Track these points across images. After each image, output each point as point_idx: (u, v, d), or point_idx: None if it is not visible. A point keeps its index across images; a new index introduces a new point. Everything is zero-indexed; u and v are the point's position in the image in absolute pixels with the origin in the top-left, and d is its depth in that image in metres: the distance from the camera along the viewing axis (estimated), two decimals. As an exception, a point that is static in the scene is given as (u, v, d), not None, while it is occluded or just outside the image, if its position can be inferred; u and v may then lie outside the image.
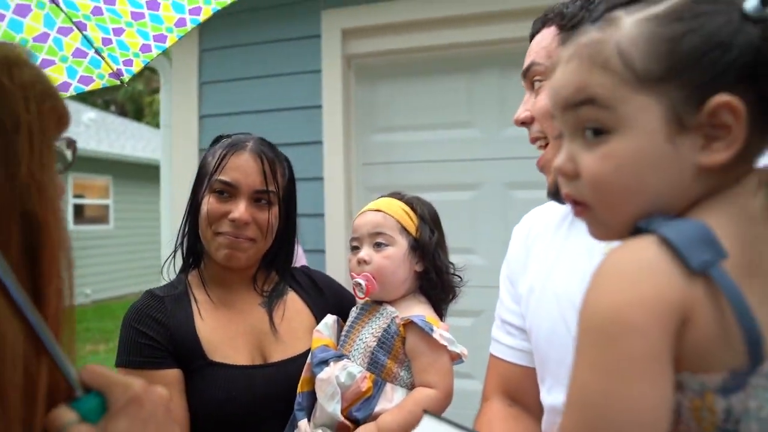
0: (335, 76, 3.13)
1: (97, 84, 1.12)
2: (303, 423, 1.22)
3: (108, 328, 8.95)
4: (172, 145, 3.34)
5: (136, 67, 1.15)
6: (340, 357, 1.26)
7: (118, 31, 1.07)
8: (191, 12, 1.06)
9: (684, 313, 0.58)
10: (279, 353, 1.32)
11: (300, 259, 2.50)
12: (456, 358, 1.25)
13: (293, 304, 1.42)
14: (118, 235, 12.62)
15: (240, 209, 1.28)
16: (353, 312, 1.36)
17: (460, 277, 1.37)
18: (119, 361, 1.26)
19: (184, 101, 3.33)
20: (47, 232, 0.60)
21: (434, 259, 1.32)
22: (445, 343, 1.21)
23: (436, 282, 1.32)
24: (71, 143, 0.70)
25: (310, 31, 3.15)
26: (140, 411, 0.60)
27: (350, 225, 3.05)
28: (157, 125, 17.44)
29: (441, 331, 1.22)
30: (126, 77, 1.14)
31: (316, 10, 3.14)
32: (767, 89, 0.61)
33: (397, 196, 1.41)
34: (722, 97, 0.60)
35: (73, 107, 15.93)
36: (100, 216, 12.60)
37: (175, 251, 1.40)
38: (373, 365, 1.25)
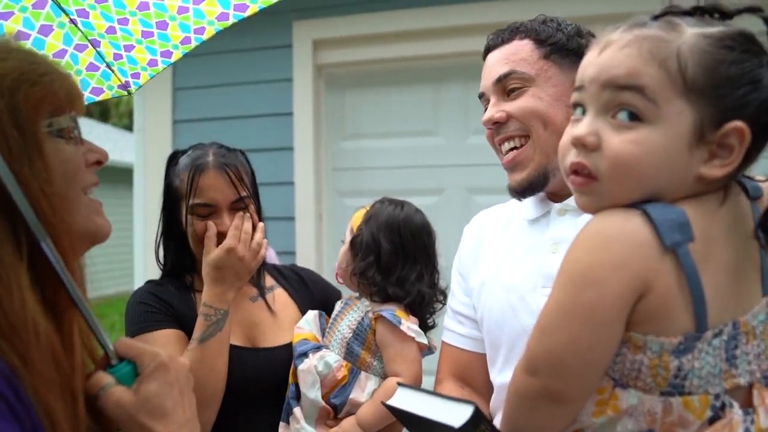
0: (306, 85, 3.25)
1: (107, 95, 1.23)
2: (297, 410, 1.34)
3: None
4: (145, 149, 3.41)
5: (143, 79, 1.26)
6: (318, 348, 1.38)
7: (128, 48, 1.19)
8: (196, 32, 1.19)
9: (646, 281, 0.71)
10: (267, 342, 1.44)
11: (272, 259, 2.61)
12: (424, 348, 1.37)
13: (280, 298, 1.53)
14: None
15: (225, 223, 1.39)
16: (337, 306, 1.48)
17: (438, 294, 1.44)
18: (129, 333, 1.35)
19: (158, 106, 3.40)
20: (48, 223, 0.66)
21: (376, 261, 1.38)
22: (412, 335, 1.33)
23: (375, 281, 1.38)
24: (71, 118, 0.73)
25: (282, 41, 3.27)
26: (167, 375, 0.71)
27: (320, 228, 3.21)
28: (123, 127, 17.07)
29: (408, 324, 1.34)
30: (133, 88, 1.26)
31: (288, 21, 3.26)
32: (766, 123, 0.73)
33: (377, 202, 1.49)
34: (738, 124, 0.72)
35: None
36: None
37: (161, 265, 1.51)
38: (349, 355, 1.37)
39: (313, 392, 1.33)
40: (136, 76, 1.25)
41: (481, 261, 1.28)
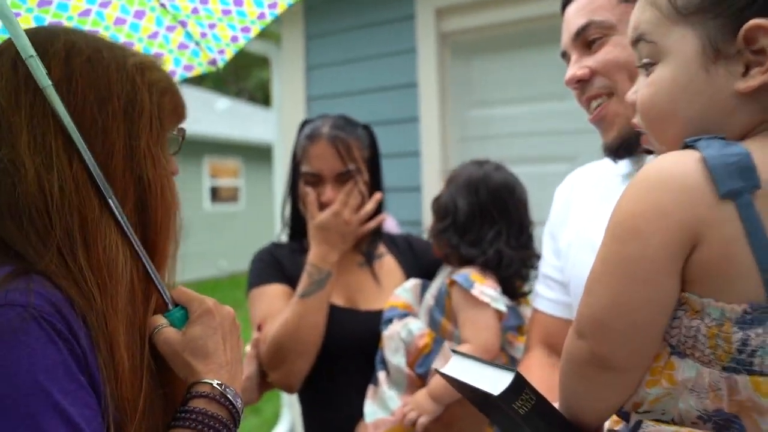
0: (430, 54, 3.23)
1: (197, 71, 1.32)
2: (381, 374, 1.37)
3: (239, 298, 9.66)
4: (282, 127, 3.63)
5: (228, 54, 1.34)
6: (404, 315, 1.38)
7: (212, 26, 1.27)
8: (269, 6, 1.24)
9: (696, 232, 0.63)
10: (367, 305, 1.49)
11: (392, 229, 2.67)
12: (502, 316, 1.31)
13: (388, 264, 1.58)
14: (249, 212, 13.57)
15: (327, 194, 1.46)
16: (438, 273, 1.48)
17: (530, 258, 1.38)
18: (249, 287, 1.53)
19: (293, 85, 3.59)
20: (158, 195, 0.80)
21: (453, 222, 1.37)
22: (486, 299, 1.28)
23: (451, 242, 1.37)
24: (181, 131, 0.89)
25: (405, 11, 3.28)
26: (212, 321, 0.79)
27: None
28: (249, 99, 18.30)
29: (483, 288, 1.29)
30: (220, 64, 1.34)
31: (410, -8, 3.26)
32: None
33: (468, 162, 1.48)
34: (756, 21, 0.65)
35: (207, 97, 17.10)
36: (232, 196, 13.64)
37: (282, 228, 1.64)
38: (432, 323, 1.36)
39: (396, 358, 1.34)
40: (222, 52, 1.32)
41: (571, 220, 1.21)
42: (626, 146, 1.06)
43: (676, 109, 0.70)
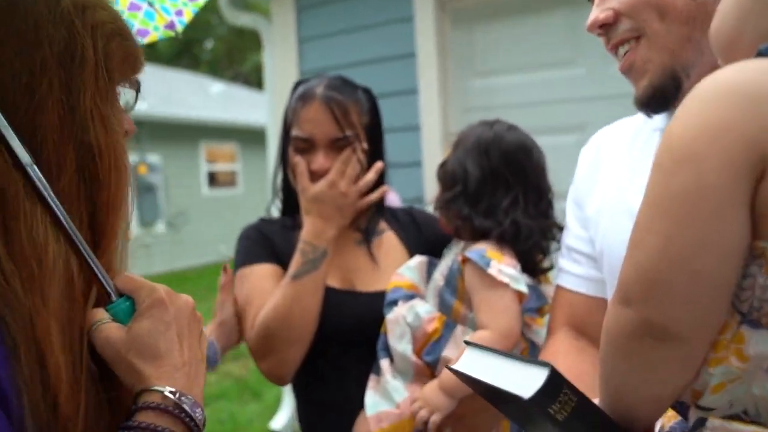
0: (428, 22, 3.07)
1: (153, 36, 1.16)
2: (384, 363, 1.23)
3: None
4: (275, 104, 3.46)
5: (187, 16, 1.18)
6: (410, 297, 1.24)
7: (166, -18, 1.12)
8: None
9: (765, 148, 0.50)
10: (366, 286, 1.35)
11: (394, 203, 2.52)
12: (523, 297, 1.16)
13: (389, 241, 1.42)
14: (247, 196, 13.43)
15: (318, 161, 1.30)
16: (446, 249, 1.33)
17: (551, 228, 1.23)
18: (235, 268, 1.39)
19: (285, 60, 3.42)
20: (109, 163, 0.65)
21: (463, 190, 1.22)
22: (505, 279, 1.12)
23: (461, 214, 1.21)
24: (135, 83, 0.74)
25: (401, -24, 3.11)
26: (164, 313, 0.64)
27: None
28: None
29: (500, 267, 1.13)
30: (179, 27, 1.18)
31: (406, -45, 3.09)
32: None
33: (468, 126, 1.32)
34: None
35: (202, 81, 16.90)
36: (230, 180, 13.48)
37: (272, 199, 1.48)
38: (442, 306, 1.21)
39: (401, 345, 1.19)
40: (179, 13, 1.17)
41: (600, 184, 1.06)
42: (661, 96, 0.91)
43: (744, 31, 0.61)
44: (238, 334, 1.35)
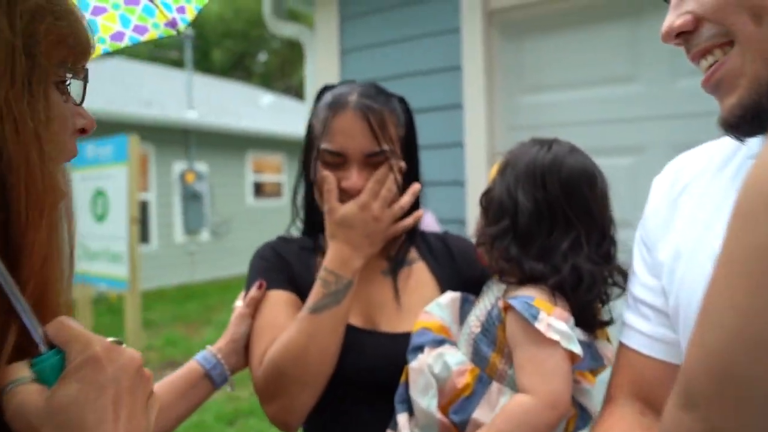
0: (475, 34, 2.91)
1: (152, 34, 1.05)
2: (402, 417, 1.05)
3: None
4: (316, 116, 3.38)
5: (189, 14, 1.07)
6: (439, 343, 1.06)
7: (166, -25, 1.01)
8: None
9: None
10: (391, 326, 1.19)
11: (429, 226, 2.37)
12: (577, 359, 0.96)
13: (419, 273, 1.26)
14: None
15: (352, 178, 1.14)
16: (483, 289, 1.14)
17: (614, 274, 1.02)
18: (246, 289, 1.26)
19: (327, 71, 3.33)
20: (18, 170, 0.52)
21: (512, 225, 1.02)
22: (555, 337, 0.92)
23: (508, 254, 1.01)
24: (82, 71, 0.63)
25: (448, -14, 2.97)
26: (98, 374, 0.50)
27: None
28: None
29: (550, 320, 0.93)
30: (181, 26, 1.07)
31: (454, -35, 2.95)
32: None
33: (519, 144, 1.11)
34: None
35: (253, 92, 17.15)
36: (275, 191, 13.56)
37: (293, 219, 1.33)
38: (477, 357, 1.02)
39: (425, 399, 1.01)
40: (181, 10, 1.06)
41: (678, 223, 0.88)
42: (754, 117, 0.73)
43: None
44: (247, 358, 1.22)
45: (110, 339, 0.54)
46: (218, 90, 15.44)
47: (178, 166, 11.06)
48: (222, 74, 25.80)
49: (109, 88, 11.32)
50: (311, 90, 3.48)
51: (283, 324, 1.15)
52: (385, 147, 1.15)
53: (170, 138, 10.84)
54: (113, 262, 5.59)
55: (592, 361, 0.99)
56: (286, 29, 3.61)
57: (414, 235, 1.29)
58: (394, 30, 3.14)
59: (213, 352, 1.18)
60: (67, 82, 0.63)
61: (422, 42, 3.06)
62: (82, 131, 0.65)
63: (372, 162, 1.15)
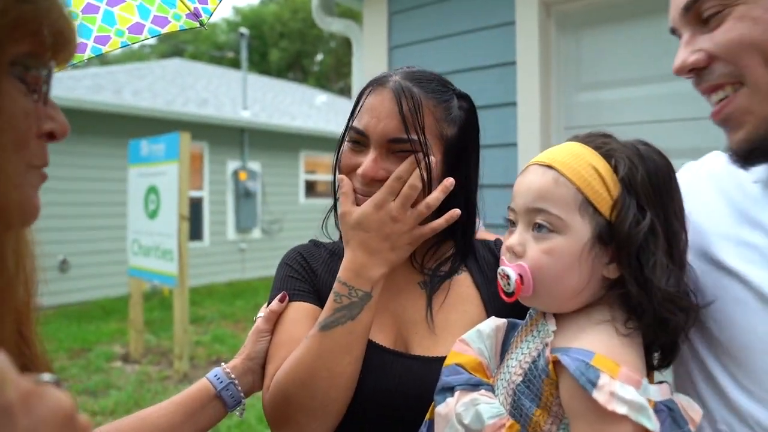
0: (531, 28, 2.76)
1: (173, 26, 0.98)
2: None
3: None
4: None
5: (212, 4, 0.99)
6: (475, 386, 0.87)
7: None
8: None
9: None
10: (423, 348, 1.03)
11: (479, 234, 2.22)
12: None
13: (461, 288, 1.10)
14: (343, 208, 13.51)
15: (366, 163, 1.02)
16: (528, 315, 0.94)
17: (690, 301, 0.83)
18: (269, 299, 1.14)
19: (375, 67, 3.23)
20: None
21: (639, 262, 0.80)
22: (622, 410, 0.72)
23: (638, 300, 0.80)
24: (45, 63, 0.55)
25: (503, -23, 2.83)
26: (9, 426, 0.40)
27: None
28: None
29: (615, 387, 0.73)
30: (204, 18, 0.99)
31: (510, -45, 2.80)
32: None
33: (596, 139, 0.88)
34: None
35: (307, 92, 17.31)
36: (327, 190, 13.59)
37: (329, 212, 1.19)
38: (517, 411, 0.83)
39: None
40: (204, 1, 0.97)
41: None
42: (761, 150, 0.81)
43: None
44: (262, 380, 1.10)
45: (45, 376, 0.44)
46: (273, 90, 15.63)
47: (232, 165, 11.22)
48: (278, 74, 26.22)
49: (170, 88, 11.60)
50: (358, 87, 3.39)
51: (300, 341, 1.02)
52: (414, 136, 1.01)
53: (224, 137, 11.01)
54: (163, 259, 5.66)
55: (674, 427, 0.77)
56: (333, 24, 3.53)
57: (466, 246, 1.14)
58: (445, 25, 3.01)
59: (227, 371, 1.06)
60: (42, 78, 0.56)
61: (474, 37, 2.93)
62: (51, 136, 0.57)
63: (396, 150, 1.02)
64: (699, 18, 0.83)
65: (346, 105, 16.95)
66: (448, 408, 0.86)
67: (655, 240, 0.80)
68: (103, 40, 1.05)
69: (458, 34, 2.97)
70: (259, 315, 1.14)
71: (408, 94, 1.02)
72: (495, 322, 0.93)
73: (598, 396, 0.73)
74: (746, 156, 0.82)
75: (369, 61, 3.27)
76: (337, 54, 27.25)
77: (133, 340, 6.30)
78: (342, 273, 1.01)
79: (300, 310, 1.08)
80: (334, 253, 1.17)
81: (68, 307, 8.53)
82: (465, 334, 0.93)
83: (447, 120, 1.06)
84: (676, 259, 0.82)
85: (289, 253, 1.20)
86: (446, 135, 1.06)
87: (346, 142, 1.08)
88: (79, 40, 1.09)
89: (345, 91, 24.39)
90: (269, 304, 1.13)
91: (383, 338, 1.04)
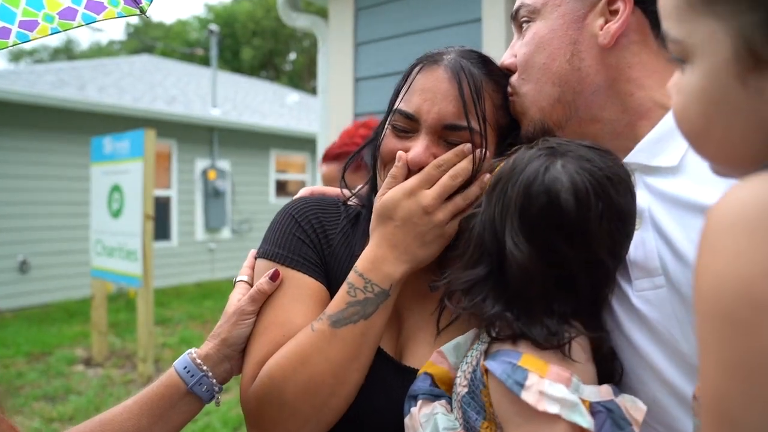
0: (498, 25, 2.73)
1: (110, 12, 0.90)
2: None
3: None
4: (328, 110, 3.21)
5: None
6: (437, 397, 0.84)
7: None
8: None
9: None
10: (416, 358, 0.92)
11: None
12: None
13: None
14: (314, 208, 13.39)
15: (417, 148, 0.89)
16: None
17: None
18: (260, 251, 0.98)
19: (341, 63, 3.17)
20: None
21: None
22: (553, 409, 0.68)
23: (484, 309, 0.78)
24: None
25: (470, -26, 2.79)
26: None
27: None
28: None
29: (546, 384, 0.69)
30: (145, 4, 0.91)
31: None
32: None
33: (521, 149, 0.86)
34: None
35: (278, 90, 17.13)
36: (298, 190, 13.47)
37: (365, 185, 1.04)
38: (467, 425, 0.78)
39: None
40: None
41: None
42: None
43: (711, 128, 0.54)
44: (241, 365, 0.96)
45: None
46: (244, 88, 15.44)
47: (201, 164, 11.04)
48: (251, 73, 25.94)
49: (137, 85, 11.36)
50: (323, 83, 3.33)
51: (297, 325, 0.88)
52: (473, 124, 0.88)
53: (193, 135, 10.82)
54: (127, 259, 5.51)
55: (615, 429, 0.72)
56: (299, 20, 3.46)
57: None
58: (411, 21, 2.97)
59: (198, 362, 0.91)
60: None
61: (441, 34, 2.89)
62: None
63: (450, 138, 0.90)
64: (519, 26, 0.96)
65: (318, 104, 16.85)
66: (413, 419, 0.82)
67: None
68: (30, 25, 0.97)
69: (425, 30, 2.93)
70: (241, 277, 0.99)
71: (468, 74, 0.89)
72: (475, 333, 0.87)
73: (527, 397, 0.69)
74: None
75: (334, 57, 3.21)
76: (311, 53, 27.09)
77: (95, 343, 6.12)
78: (360, 263, 0.88)
79: (302, 286, 0.92)
80: (355, 224, 1.01)
81: (28, 310, 8.28)
82: (444, 346, 0.87)
83: (504, 108, 0.94)
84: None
85: (301, 204, 1.01)
86: (501, 125, 0.94)
87: (391, 127, 0.94)
88: (0, 23, 1.01)
89: (316, 91, 24.25)
90: (260, 255, 0.98)
91: (385, 343, 0.93)
